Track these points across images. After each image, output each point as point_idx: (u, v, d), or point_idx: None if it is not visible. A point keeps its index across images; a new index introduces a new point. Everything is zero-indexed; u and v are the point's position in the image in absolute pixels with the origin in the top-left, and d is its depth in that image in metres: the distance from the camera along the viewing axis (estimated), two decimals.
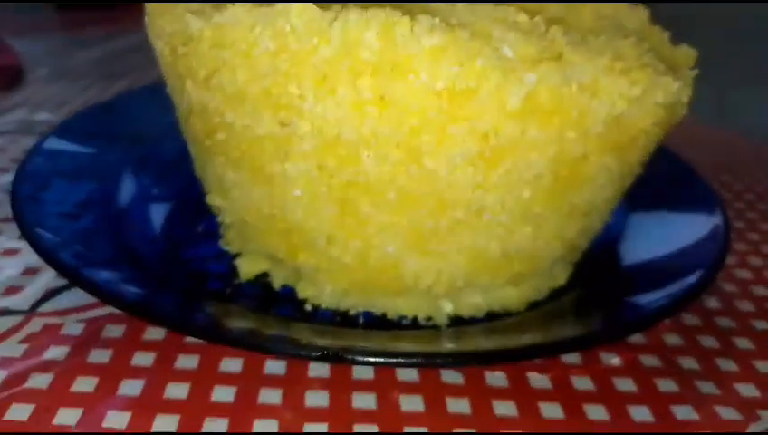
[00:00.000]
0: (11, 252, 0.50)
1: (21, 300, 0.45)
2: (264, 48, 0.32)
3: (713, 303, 0.50)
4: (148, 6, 0.40)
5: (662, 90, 0.35)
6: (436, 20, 0.31)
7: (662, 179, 0.54)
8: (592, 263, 0.48)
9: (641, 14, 0.44)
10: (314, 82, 0.32)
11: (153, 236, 0.50)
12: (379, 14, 0.30)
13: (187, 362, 0.39)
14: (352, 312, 0.43)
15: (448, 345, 0.39)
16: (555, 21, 0.40)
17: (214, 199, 0.45)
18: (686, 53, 0.43)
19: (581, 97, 0.32)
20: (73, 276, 0.37)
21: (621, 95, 0.34)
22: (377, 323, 0.43)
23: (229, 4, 0.33)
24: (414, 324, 0.43)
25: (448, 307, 0.42)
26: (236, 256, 0.47)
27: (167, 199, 0.55)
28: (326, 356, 0.32)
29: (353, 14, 0.30)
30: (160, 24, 0.38)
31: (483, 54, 0.31)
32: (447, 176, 0.34)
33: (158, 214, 0.53)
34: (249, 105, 0.35)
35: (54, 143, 0.55)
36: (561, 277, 0.46)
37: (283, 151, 0.36)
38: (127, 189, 0.54)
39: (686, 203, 0.51)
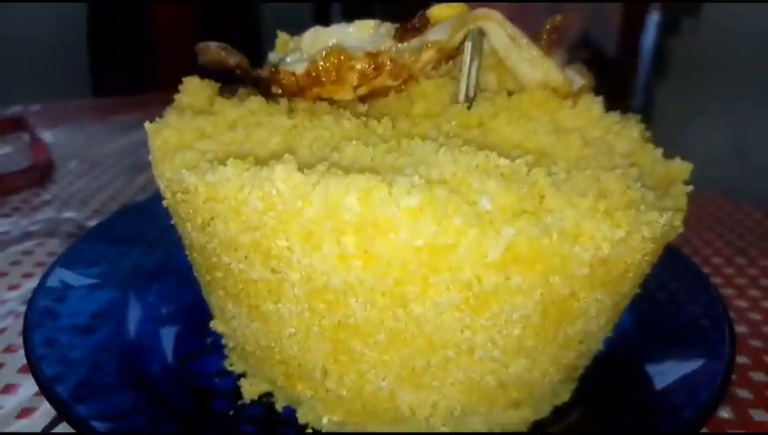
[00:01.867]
0: (27, 370, 0.52)
1: (32, 424, 0.46)
2: (253, 207, 0.33)
3: (725, 413, 0.48)
4: (153, 150, 0.42)
5: (648, 226, 0.35)
6: (416, 178, 0.32)
7: (670, 291, 0.54)
8: (596, 376, 0.47)
9: (632, 132, 0.44)
10: (301, 238, 0.33)
11: (161, 354, 0.51)
12: (359, 178, 0.31)
13: None
14: None
15: None
16: (542, 152, 0.41)
17: (217, 325, 0.46)
18: (680, 168, 0.44)
19: (563, 245, 0.33)
20: (67, 417, 0.38)
21: (605, 238, 0.34)
22: None
23: (220, 166, 0.34)
24: None
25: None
26: (241, 375, 0.48)
27: (177, 314, 0.56)
28: None
29: (334, 178, 0.32)
30: (162, 169, 0.40)
31: (460, 212, 0.31)
32: (434, 320, 0.35)
33: (167, 331, 0.54)
34: (242, 252, 0.36)
35: (69, 265, 0.56)
36: (563, 395, 0.46)
37: (275, 294, 0.37)
38: (138, 305, 0.55)
39: (693, 328, 0.50)
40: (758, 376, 0.53)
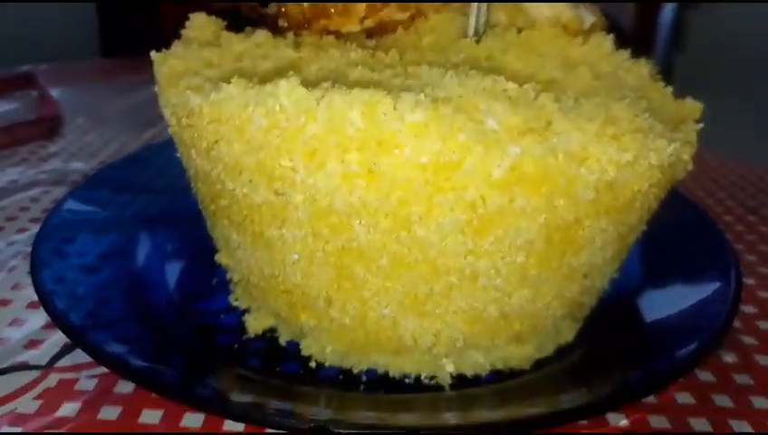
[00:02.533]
0: (35, 305, 0.52)
1: (39, 354, 0.47)
2: (258, 125, 0.33)
3: (730, 358, 0.48)
4: (159, 77, 0.42)
5: (655, 152, 0.35)
6: (421, 95, 0.32)
7: (676, 233, 0.53)
8: (601, 318, 0.47)
9: (642, 69, 0.44)
10: (304, 157, 0.33)
11: (167, 292, 0.52)
12: (363, 93, 0.31)
13: (193, 421, 0.40)
14: (355, 370, 0.43)
15: (450, 415, 0.39)
16: (551, 83, 0.40)
17: (222, 258, 0.46)
18: (691, 107, 0.43)
19: (569, 166, 0.33)
20: (80, 342, 0.39)
21: (611, 161, 0.34)
22: (380, 381, 0.43)
23: (224, 85, 0.34)
24: (417, 383, 0.43)
25: (450, 367, 0.42)
26: (245, 311, 0.48)
27: (183, 255, 0.56)
28: (315, 431, 0.32)
29: (338, 93, 0.31)
30: (167, 95, 0.40)
31: (465, 129, 0.31)
32: (438, 243, 0.35)
33: (173, 269, 0.54)
34: (246, 175, 0.36)
35: (75, 204, 0.57)
36: (567, 334, 0.46)
37: (279, 219, 0.37)
38: (144, 246, 0.55)
39: (699, 261, 0.49)
40: (765, 324, 0.53)
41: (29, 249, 0.59)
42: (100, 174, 0.66)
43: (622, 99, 0.39)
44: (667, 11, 2.58)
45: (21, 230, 0.64)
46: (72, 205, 0.57)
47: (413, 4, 0.43)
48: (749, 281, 0.59)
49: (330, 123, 0.31)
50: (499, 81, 0.35)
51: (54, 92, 1.06)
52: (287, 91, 0.32)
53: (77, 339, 0.39)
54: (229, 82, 0.34)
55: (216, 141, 0.36)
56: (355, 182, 0.33)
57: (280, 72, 0.39)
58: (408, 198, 0.33)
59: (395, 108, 0.31)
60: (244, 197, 0.37)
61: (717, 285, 0.45)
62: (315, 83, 0.35)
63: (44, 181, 0.76)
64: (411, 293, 0.37)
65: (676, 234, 0.53)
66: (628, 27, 2.45)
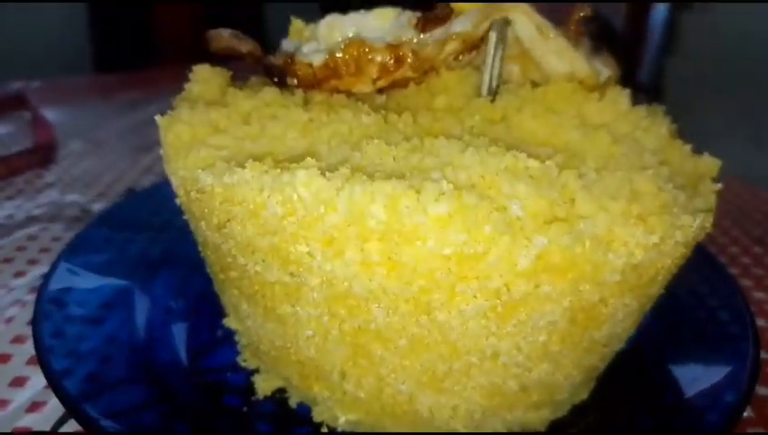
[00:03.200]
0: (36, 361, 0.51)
1: (42, 418, 0.45)
2: (273, 211, 0.32)
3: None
4: (165, 145, 0.40)
5: (681, 230, 0.34)
6: (444, 183, 0.31)
7: (693, 291, 0.53)
8: (615, 373, 0.46)
9: (660, 128, 0.43)
10: (322, 244, 0.32)
11: (172, 347, 0.50)
12: (385, 185, 0.30)
13: None
14: None
15: None
16: (570, 150, 0.39)
17: (231, 323, 0.45)
18: (709, 164, 0.42)
19: (595, 253, 0.32)
20: (74, 414, 0.38)
21: (638, 244, 0.33)
22: None
23: (238, 169, 0.33)
24: None
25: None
26: (254, 370, 0.47)
27: (186, 304, 0.55)
28: None
29: (359, 185, 0.30)
30: (175, 167, 0.38)
31: (490, 220, 0.30)
32: (459, 327, 0.34)
33: (177, 321, 0.53)
34: (259, 255, 0.35)
35: (71, 263, 0.55)
36: (582, 393, 0.45)
37: (293, 297, 0.36)
38: (147, 294, 0.54)
39: (716, 329, 0.49)
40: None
41: (28, 297, 0.58)
42: (98, 220, 0.64)
43: (644, 167, 0.38)
44: (660, 11, 2.56)
45: (19, 274, 0.62)
46: (72, 253, 0.56)
47: (427, 62, 0.42)
48: (760, 323, 0.59)
49: (350, 214, 0.30)
50: (520, 157, 0.34)
51: (48, 113, 1.04)
52: (305, 181, 0.31)
53: (72, 411, 0.38)
54: (244, 166, 0.33)
55: (229, 220, 0.35)
56: (375, 270, 0.32)
57: (292, 144, 0.38)
58: (429, 287, 0.32)
59: (418, 200, 0.30)
60: (256, 274, 0.36)
61: (735, 361, 0.44)
62: (330, 161, 0.34)
63: (41, 217, 0.74)
64: (429, 371, 0.36)
65: (692, 289, 0.53)
66: (621, 28, 2.44)
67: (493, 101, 0.43)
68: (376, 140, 0.36)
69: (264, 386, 0.46)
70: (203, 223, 0.38)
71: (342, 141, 0.38)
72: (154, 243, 0.62)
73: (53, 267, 0.53)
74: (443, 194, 0.30)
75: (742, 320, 0.48)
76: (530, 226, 0.31)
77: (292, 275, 0.34)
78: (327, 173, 0.32)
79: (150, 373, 0.46)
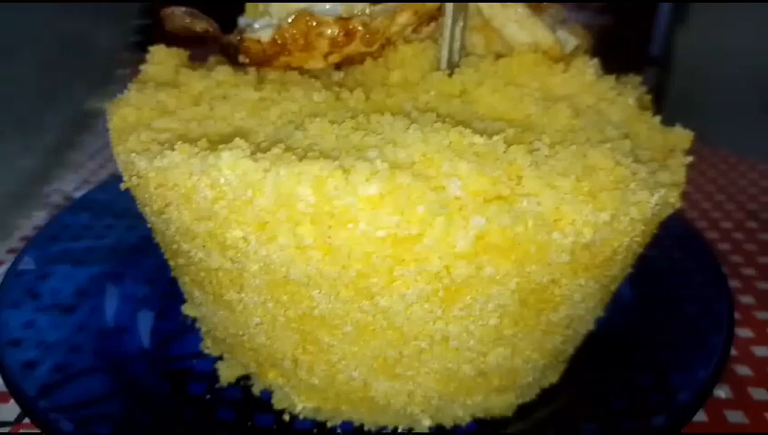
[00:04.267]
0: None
1: (9, 410, 0.45)
2: (203, 195, 0.31)
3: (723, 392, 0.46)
4: (111, 129, 0.39)
5: (637, 207, 0.32)
6: (378, 162, 0.29)
7: (669, 266, 0.51)
8: (587, 355, 0.45)
9: (628, 98, 0.41)
10: (255, 229, 0.31)
11: (140, 335, 0.50)
12: (313, 166, 0.29)
13: None
14: (330, 424, 0.42)
15: None
16: (528, 124, 0.38)
17: (188, 310, 0.45)
18: (680, 136, 0.40)
19: (539, 232, 0.30)
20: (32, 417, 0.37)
21: (587, 223, 0.31)
22: (355, 433, 0.41)
23: (168, 151, 0.32)
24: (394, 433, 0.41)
25: (427, 421, 0.40)
26: (218, 358, 0.47)
27: (160, 291, 0.54)
28: None
29: (285, 166, 0.29)
30: (117, 150, 0.37)
31: (424, 200, 0.29)
32: (403, 311, 0.32)
33: (148, 309, 0.52)
34: (199, 241, 0.34)
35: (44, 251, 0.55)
36: (551, 377, 0.44)
37: (237, 284, 0.35)
38: (120, 283, 0.54)
39: (694, 305, 0.47)
40: (760, 350, 0.50)
41: None
42: (77, 205, 0.64)
43: (603, 141, 0.36)
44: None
45: None
46: (47, 240, 0.55)
47: (379, 36, 0.40)
48: (747, 300, 0.57)
49: (278, 197, 0.29)
50: (466, 134, 0.33)
51: None
52: (230, 163, 0.29)
53: (29, 414, 0.38)
54: (173, 149, 0.32)
55: (166, 205, 0.34)
56: (310, 254, 0.31)
57: (240, 124, 0.37)
58: (367, 271, 0.31)
59: (347, 180, 0.28)
60: (200, 260, 0.35)
61: (711, 337, 0.42)
62: (273, 140, 0.33)
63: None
64: (380, 357, 0.35)
65: (668, 268, 0.51)
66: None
67: (451, 75, 0.41)
68: (319, 119, 0.34)
69: (227, 373, 0.45)
70: (147, 209, 0.37)
71: (289, 121, 0.36)
72: (132, 229, 0.61)
73: (25, 255, 0.53)
74: (374, 173, 0.29)
75: (719, 302, 0.46)
76: (469, 205, 0.30)
77: (232, 261, 0.33)
78: (258, 154, 0.30)
79: (116, 363, 0.46)
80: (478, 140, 0.32)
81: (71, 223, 0.59)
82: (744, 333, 0.52)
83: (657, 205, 0.34)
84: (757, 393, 0.46)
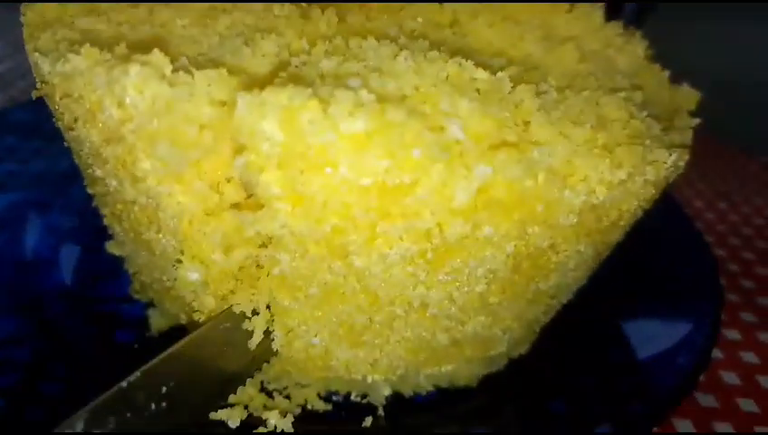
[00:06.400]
0: None
1: None
2: (109, 114, 0.24)
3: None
4: (25, 23, 0.32)
5: (653, 166, 0.28)
6: (364, 92, 0.24)
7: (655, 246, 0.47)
8: (559, 325, 0.41)
9: (636, 48, 0.36)
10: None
11: (60, 275, 0.43)
12: (280, 95, 0.22)
13: None
14: (271, 387, 0.36)
15: None
16: (529, 64, 0.33)
17: (112, 247, 0.38)
18: (687, 95, 0.36)
19: (549, 188, 0.26)
20: None
21: (602, 180, 0.27)
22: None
23: (72, 54, 0.25)
24: (346, 401, 0.37)
25: (387, 390, 0.36)
26: (148, 304, 0.41)
27: (90, 225, 0.47)
28: None
29: (243, 96, 0.23)
30: (28, 47, 0.30)
31: (421, 142, 0.23)
32: (380, 274, 0.27)
33: (71, 250, 0.45)
34: (109, 167, 0.27)
35: None
36: (522, 347, 0.40)
37: (155, 224, 0.28)
38: (45, 213, 0.46)
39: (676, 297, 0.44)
40: (731, 334, 0.48)
41: None
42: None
43: (615, 90, 0.32)
44: None
45: None
46: None
47: None
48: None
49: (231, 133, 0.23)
50: (466, 67, 0.27)
51: None
52: (136, 83, 0.23)
53: None
54: (78, 52, 0.25)
55: (75, 120, 0.27)
56: (277, 206, 0.25)
57: (181, 33, 0.30)
58: (344, 226, 0.25)
59: (325, 114, 0.23)
60: (115, 190, 0.29)
61: (689, 325, 0.39)
62: (210, 57, 0.27)
63: None
64: (346, 323, 0.30)
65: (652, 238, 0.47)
66: None
67: (442, 1, 0.35)
68: (273, 35, 0.28)
69: (158, 322, 0.39)
70: (60, 123, 0.30)
71: (239, 33, 0.30)
72: (64, 154, 0.53)
73: None
74: (359, 106, 0.23)
75: (705, 278, 0.43)
76: (472, 151, 0.24)
77: (146, 195, 0.27)
78: (181, 73, 0.24)
79: (32, 301, 0.39)
80: (481, 74, 0.27)
81: None
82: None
83: (670, 167, 0.30)
84: (727, 377, 0.44)
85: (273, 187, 0.24)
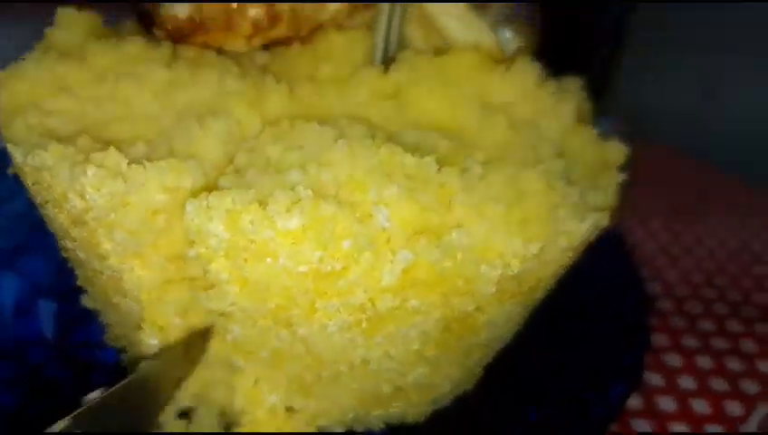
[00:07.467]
0: None
1: None
2: (72, 205, 0.28)
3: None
4: (0, 107, 0.34)
5: (566, 236, 0.32)
6: (300, 189, 0.27)
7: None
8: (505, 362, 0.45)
9: (566, 110, 0.39)
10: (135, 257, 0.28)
11: (38, 323, 0.45)
12: (223, 200, 0.26)
13: None
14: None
15: None
16: (462, 139, 0.36)
17: (87, 301, 0.41)
18: (615, 151, 0.39)
19: (467, 267, 0.29)
20: None
21: (516, 255, 0.30)
22: None
23: (40, 151, 0.28)
24: None
25: (339, 429, 0.39)
26: (122, 350, 0.43)
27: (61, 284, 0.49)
28: None
29: (191, 202, 0.26)
30: (5, 134, 0.33)
31: (350, 233, 0.26)
32: (323, 341, 0.31)
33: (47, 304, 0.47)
34: (78, 244, 0.31)
35: None
36: (465, 386, 0.43)
37: (121, 291, 0.32)
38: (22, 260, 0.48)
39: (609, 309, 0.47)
40: (672, 360, 0.51)
41: None
42: None
43: (538, 160, 0.35)
44: None
45: None
46: None
47: (307, 22, 0.37)
48: (665, 305, 0.57)
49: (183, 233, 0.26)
50: (396, 152, 0.30)
51: None
52: (95, 182, 0.26)
53: None
54: (46, 148, 0.28)
55: (45, 202, 0.30)
56: (225, 289, 0.28)
57: (145, 110, 0.33)
58: (287, 304, 0.28)
59: (264, 214, 0.26)
60: (84, 260, 0.32)
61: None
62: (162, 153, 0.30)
63: None
64: (296, 380, 0.33)
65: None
66: None
67: (386, 70, 0.38)
68: (224, 116, 0.31)
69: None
70: (35, 198, 0.33)
71: (195, 110, 0.33)
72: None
73: None
74: (296, 203, 0.26)
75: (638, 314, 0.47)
76: (397, 237, 0.28)
77: (111, 270, 0.30)
78: (136, 166, 0.27)
79: (15, 350, 0.42)
80: (409, 160, 0.30)
81: None
82: (659, 340, 0.52)
83: (587, 231, 0.33)
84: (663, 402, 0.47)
85: (221, 273, 0.27)
